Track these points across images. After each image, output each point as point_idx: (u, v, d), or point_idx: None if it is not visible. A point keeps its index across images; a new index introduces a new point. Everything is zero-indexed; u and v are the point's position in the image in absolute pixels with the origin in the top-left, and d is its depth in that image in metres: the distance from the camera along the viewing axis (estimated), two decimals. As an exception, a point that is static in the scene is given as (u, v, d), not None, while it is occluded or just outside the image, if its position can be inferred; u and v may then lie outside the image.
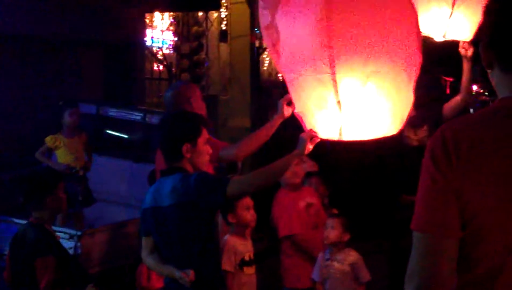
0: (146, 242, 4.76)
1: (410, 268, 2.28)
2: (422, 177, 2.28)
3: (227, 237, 5.97)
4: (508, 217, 2.15)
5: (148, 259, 4.77)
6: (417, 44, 4.10)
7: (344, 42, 3.88)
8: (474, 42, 6.25)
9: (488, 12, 2.31)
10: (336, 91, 3.96)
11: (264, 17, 4.58)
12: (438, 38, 5.99)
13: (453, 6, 5.72)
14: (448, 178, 2.18)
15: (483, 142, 2.16)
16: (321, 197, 7.04)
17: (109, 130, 9.81)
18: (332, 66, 3.89)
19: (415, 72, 4.10)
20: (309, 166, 7.00)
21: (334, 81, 3.93)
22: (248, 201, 5.94)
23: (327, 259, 6.22)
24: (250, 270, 6.01)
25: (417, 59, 4.09)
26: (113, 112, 9.78)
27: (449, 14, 5.78)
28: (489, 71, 2.36)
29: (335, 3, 3.88)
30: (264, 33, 4.73)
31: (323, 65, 3.91)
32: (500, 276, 2.18)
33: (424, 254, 2.25)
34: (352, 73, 3.93)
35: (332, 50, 3.87)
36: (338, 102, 4.00)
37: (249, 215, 5.99)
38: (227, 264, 5.82)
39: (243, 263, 5.97)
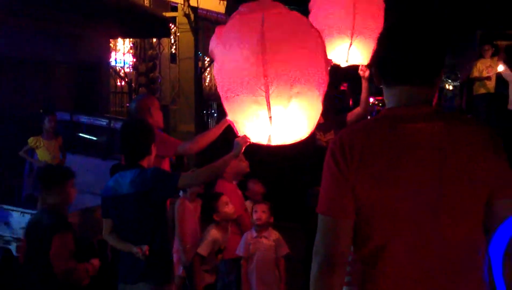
0: (106, 223, 4.73)
1: (315, 245, 2.38)
2: (324, 172, 2.38)
3: (211, 228, 5.99)
4: (389, 207, 2.25)
5: (108, 237, 4.74)
6: (326, 69, 4.23)
7: (276, 71, 3.98)
8: (370, 65, 6.38)
9: (377, 42, 2.45)
10: (269, 109, 4.07)
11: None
12: (343, 63, 6.08)
13: (351, 38, 5.85)
14: (344, 173, 2.29)
15: (371, 147, 2.27)
16: (256, 193, 7.02)
17: (80, 133, 9.71)
18: (267, 90, 3.99)
19: (323, 90, 4.22)
20: (245, 165, 6.98)
21: (268, 102, 4.04)
22: (224, 198, 5.98)
23: (255, 237, 6.20)
24: (219, 257, 6.08)
25: (325, 80, 4.21)
26: (84, 119, 9.73)
27: (349, 45, 5.91)
28: (380, 87, 2.47)
29: (268, 41, 3.96)
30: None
31: (259, 90, 4.00)
32: (383, 254, 2.28)
33: (326, 232, 2.35)
34: (281, 95, 4.04)
35: (267, 78, 3.96)
36: (270, 117, 4.11)
37: (229, 209, 6.01)
38: (204, 250, 5.88)
39: (219, 251, 6.03)
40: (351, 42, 5.86)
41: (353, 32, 5.82)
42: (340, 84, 19.54)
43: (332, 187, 2.35)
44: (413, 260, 2.26)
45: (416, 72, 2.35)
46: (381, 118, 2.38)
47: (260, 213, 6.15)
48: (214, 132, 5.38)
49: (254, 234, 6.18)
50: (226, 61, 4.21)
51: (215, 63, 4.38)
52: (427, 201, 2.25)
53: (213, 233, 5.95)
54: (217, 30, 4.34)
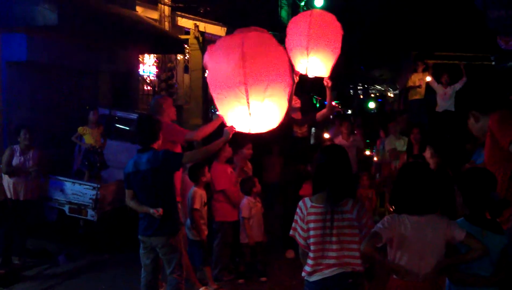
0: (128, 193, 4.73)
1: None
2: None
3: (194, 189, 5.97)
4: None
5: (130, 203, 4.73)
6: (290, 75, 4.29)
7: (253, 80, 4.04)
8: (331, 78, 6.26)
9: None
10: (248, 107, 4.13)
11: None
12: (305, 73, 5.96)
13: (307, 53, 5.73)
14: None
15: None
16: (248, 170, 6.99)
17: (116, 124, 9.64)
18: (246, 94, 4.06)
19: (289, 91, 4.28)
20: (230, 151, 6.79)
21: (248, 102, 4.10)
22: (205, 170, 6.02)
23: (254, 202, 6.45)
24: (206, 207, 6.09)
25: (290, 83, 4.28)
26: (119, 114, 9.65)
27: (307, 58, 5.77)
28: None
29: (247, 55, 4.02)
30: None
31: (241, 93, 4.07)
32: None
33: None
34: (257, 97, 4.10)
35: (247, 85, 4.03)
36: (250, 113, 4.18)
37: (206, 178, 6.09)
38: (197, 204, 5.90)
39: (205, 204, 6.05)
40: (308, 56, 5.75)
41: (308, 50, 5.71)
42: (308, 93, 19.56)
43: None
44: None
45: None
46: None
47: (258, 186, 6.47)
48: (213, 125, 5.37)
49: (253, 200, 6.44)
50: (216, 71, 4.26)
51: (208, 73, 4.40)
52: None
53: (197, 191, 5.97)
54: (209, 48, 4.39)
